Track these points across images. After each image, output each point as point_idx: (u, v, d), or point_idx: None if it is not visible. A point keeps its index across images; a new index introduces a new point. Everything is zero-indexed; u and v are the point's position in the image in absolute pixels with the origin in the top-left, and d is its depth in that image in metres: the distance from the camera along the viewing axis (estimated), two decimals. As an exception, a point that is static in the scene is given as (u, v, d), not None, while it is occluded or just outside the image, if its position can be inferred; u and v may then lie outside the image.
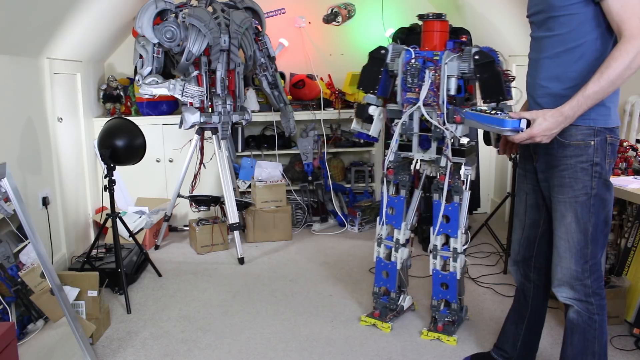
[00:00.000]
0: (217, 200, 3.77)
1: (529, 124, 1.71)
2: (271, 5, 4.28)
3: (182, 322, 2.67)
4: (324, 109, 4.21)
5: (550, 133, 1.69)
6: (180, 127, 3.42)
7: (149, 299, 2.94)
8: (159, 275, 3.26)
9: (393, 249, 2.55)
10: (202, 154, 3.75)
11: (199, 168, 3.76)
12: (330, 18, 4.05)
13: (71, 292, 2.42)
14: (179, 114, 3.87)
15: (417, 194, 2.55)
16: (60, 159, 3.30)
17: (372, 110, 2.53)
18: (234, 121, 3.49)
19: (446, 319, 2.47)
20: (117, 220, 2.95)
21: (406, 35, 3.73)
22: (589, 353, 1.83)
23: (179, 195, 3.66)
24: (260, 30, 3.72)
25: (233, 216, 3.48)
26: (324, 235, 4.01)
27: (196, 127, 3.43)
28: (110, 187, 2.85)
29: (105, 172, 2.83)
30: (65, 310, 2.13)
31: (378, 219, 2.58)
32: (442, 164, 2.34)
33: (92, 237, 3.72)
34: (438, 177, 2.38)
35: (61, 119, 3.34)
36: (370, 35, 4.43)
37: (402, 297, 2.64)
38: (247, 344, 2.45)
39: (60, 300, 2.12)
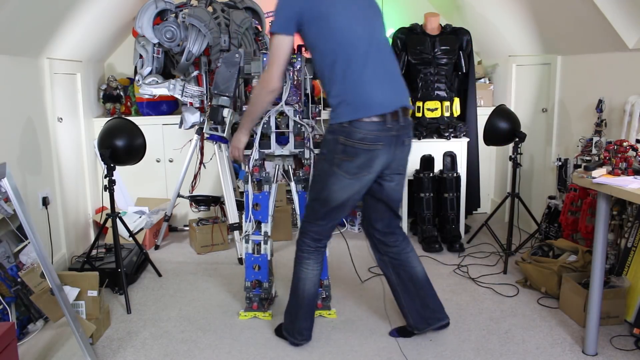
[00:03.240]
0: (217, 200, 3.76)
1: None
2: (271, 5, 4.22)
3: (182, 322, 2.67)
4: (323, 109, 4.20)
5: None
6: (180, 127, 3.42)
7: (149, 299, 2.94)
8: (159, 275, 3.26)
9: (262, 242, 2.65)
10: (202, 154, 3.75)
11: (199, 168, 3.76)
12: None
13: (71, 292, 2.42)
14: (179, 114, 3.87)
15: (275, 187, 2.70)
16: (60, 159, 3.30)
17: (225, 112, 2.81)
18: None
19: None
20: (117, 220, 2.95)
21: (406, 35, 3.73)
22: None
23: (179, 195, 3.66)
24: (260, 30, 3.72)
25: (233, 216, 3.48)
26: (324, 235, 4.01)
27: (196, 127, 3.43)
28: (110, 187, 2.85)
29: (105, 172, 2.83)
30: (65, 310, 2.13)
31: (244, 216, 2.68)
32: (307, 155, 2.61)
33: (92, 237, 3.72)
34: (294, 170, 2.67)
35: (61, 119, 3.34)
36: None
37: (273, 285, 2.78)
38: (247, 344, 2.45)
39: (60, 300, 2.12)
